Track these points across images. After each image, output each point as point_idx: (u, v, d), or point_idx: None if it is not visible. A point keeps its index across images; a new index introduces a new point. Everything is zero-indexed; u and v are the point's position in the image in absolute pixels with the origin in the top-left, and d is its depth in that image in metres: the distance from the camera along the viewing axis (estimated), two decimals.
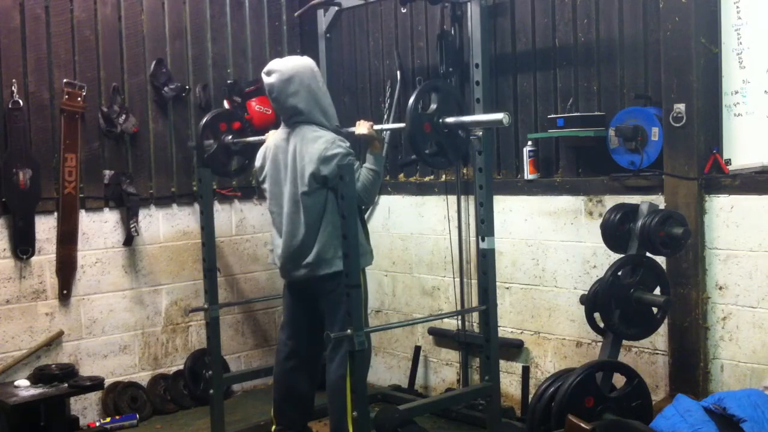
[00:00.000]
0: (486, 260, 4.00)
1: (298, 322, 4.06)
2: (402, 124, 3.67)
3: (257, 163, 4.09)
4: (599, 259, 4.21)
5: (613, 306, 3.66)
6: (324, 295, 3.86)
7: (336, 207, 3.65)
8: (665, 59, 3.91)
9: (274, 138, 4.02)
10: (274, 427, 4.12)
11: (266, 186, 4.03)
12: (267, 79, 3.92)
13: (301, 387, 4.07)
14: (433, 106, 3.63)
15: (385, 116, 5.22)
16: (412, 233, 5.21)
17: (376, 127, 3.89)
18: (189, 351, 5.25)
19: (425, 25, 5.07)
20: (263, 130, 4.31)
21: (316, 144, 3.79)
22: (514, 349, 4.66)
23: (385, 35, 5.32)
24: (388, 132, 5.09)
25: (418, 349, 5.13)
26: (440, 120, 3.62)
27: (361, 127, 3.86)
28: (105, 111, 4.89)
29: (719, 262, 3.84)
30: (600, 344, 3.89)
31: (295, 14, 5.34)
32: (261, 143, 4.16)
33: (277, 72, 3.88)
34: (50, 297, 4.75)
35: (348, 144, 3.85)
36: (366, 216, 4.41)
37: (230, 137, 4.63)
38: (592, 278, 4.08)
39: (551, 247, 4.47)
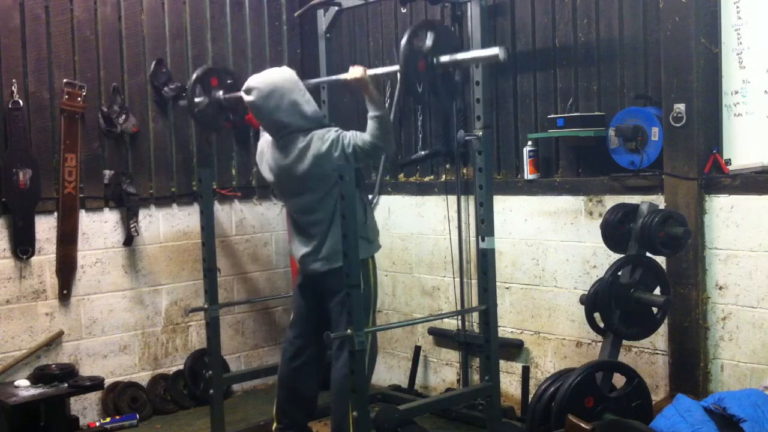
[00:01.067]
0: (486, 260, 4.00)
1: (306, 321, 4.06)
2: (396, 67, 3.56)
3: (259, 165, 4.14)
4: (599, 259, 4.21)
5: (613, 306, 3.66)
6: (332, 295, 3.86)
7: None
8: (665, 59, 3.91)
9: (268, 143, 4.01)
10: (275, 425, 4.12)
11: (276, 193, 4.02)
12: (247, 98, 3.86)
13: (305, 387, 4.07)
14: (428, 44, 3.56)
15: None
16: (412, 233, 5.21)
17: (370, 72, 3.79)
18: (189, 351, 5.24)
19: None
20: None
21: (311, 148, 3.79)
22: (514, 349, 4.66)
23: (385, 35, 5.31)
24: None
25: (418, 349, 5.13)
26: (434, 59, 3.56)
27: (354, 72, 3.77)
28: (105, 111, 4.89)
29: (719, 262, 3.84)
30: (600, 344, 3.89)
31: (295, 14, 5.33)
32: None
33: (256, 89, 3.82)
34: (50, 297, 4.75)
35: (334, 126, 3.84)
36: None
37: (221, 92, 4.57)
38: (592, 278, 4.08)
39: (551, 247, 4.47)
